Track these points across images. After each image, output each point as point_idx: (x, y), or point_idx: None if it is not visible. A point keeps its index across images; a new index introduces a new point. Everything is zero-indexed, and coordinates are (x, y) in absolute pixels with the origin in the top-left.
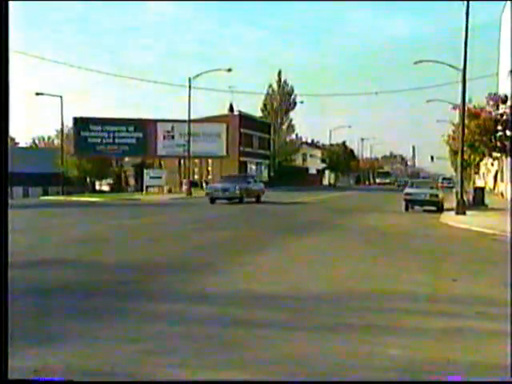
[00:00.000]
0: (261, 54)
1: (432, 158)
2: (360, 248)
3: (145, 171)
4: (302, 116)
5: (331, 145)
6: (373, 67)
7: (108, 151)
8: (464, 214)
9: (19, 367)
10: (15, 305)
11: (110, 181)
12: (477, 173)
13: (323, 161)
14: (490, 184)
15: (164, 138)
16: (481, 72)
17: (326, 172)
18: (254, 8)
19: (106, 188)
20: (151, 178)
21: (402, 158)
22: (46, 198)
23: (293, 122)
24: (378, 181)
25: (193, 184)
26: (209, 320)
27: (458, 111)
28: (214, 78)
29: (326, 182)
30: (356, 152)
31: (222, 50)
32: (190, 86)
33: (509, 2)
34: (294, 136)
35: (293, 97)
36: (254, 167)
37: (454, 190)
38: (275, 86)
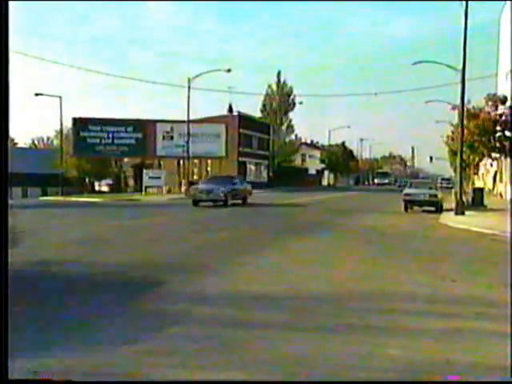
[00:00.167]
0: (260, 54)
1: (431, 158)
2: (359, 249)
3: (144, 172)
4: (301, 116)
5: (330, 145)
6: (372, 68)
7: (107, 152)
8: (463, 214)
9: (19, 367)
10: (15, 305)
11: (110, 181)
12: (476, 173)
13: (322, 161)
14: (489, 184)
15: (163, 138)
16: (480, 73)
17: (326, 172)
18: (253, 8)
19: (105, 188)
20: (150, 178)
21: (402, 159)
22: (45, 198)
23: (292, 123)
24: (376, 181)
25: (192, 184)
26: (209, 320)
27: (457, 112)
28: (213, 78)
29: (325, 182)
30: (355, 152)
31: (221, 51)
32: (189, 87)
33: (508, 3)
34: (293, 136)
35: (292, 97)
36: (253, 168)
37: (453, 191)
38: (274, 86)
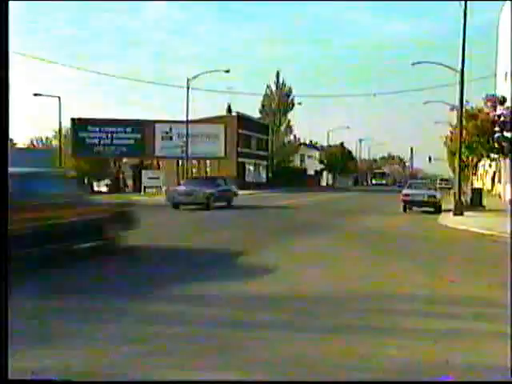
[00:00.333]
0: (259, 55)
1: (430, 159)
2: (358, 249)
3: (143, 172)
4: (300, 117)
5: (329, 146)
6: (371, 68)
7: (106, 152)
8: (462, 215)
9: (18, 367)
10: (14, 305)
11: (108, 182)
12: (474, 174)
13: (321, 162)
14: (488, 185)
15: (162, 138)
16: (479, 73)
17: (324, 173)
18: (253, 8)
19: (104, 189)
20: (149, 178)
21: (400, 159)
22: None
23: (291, 123)
24: (374, 182)
25: None
26: (208, 321)
27: (455, 112)
28: (212, 78)
29: (324, 183)
30: (354, 153)
31: (220, 51)
32: (188, 87)
33: (506, 3)
34: (292, 137)
35: (291, 98)
36: (252, 168)
37: (452, 191)
38: (273, 87)
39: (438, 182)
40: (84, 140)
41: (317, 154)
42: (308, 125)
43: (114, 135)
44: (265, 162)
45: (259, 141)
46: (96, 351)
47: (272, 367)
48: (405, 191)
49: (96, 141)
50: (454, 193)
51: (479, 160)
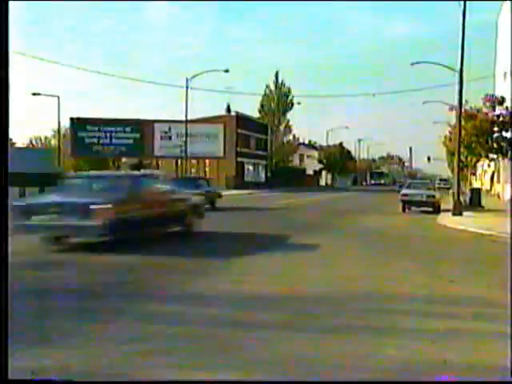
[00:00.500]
0: (258, 54)
1: (429, 158)
2: (358, 249)
3: (142, 172)
4: (299, 117)
5: (328, 146)
6: (370, 68)
7: (105, 152)
8: (461, 214)
9: (17, 367)
10: (14, 305)
11: None
12: (473, 174)
13: (320, 162)
14: (487, 185)
15: (161, 138)
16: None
17: (323, 173)
18: (252, 8)
19: None
20: None
21: (400, 159)
22: None
23: (290, 123)
24: (372, 181)
25: None
26: (208, 321)
27: (454, 112)
28: (211, 78)
29: (323, 182)
30: (353, 153)
31: (219, 51)
32: (187, 87)
33: (506, 3)
34: (291, 137)
35: (290, 98)
36: (251, 168)
37: (451, 191)
38: (272, 86)
39: (437, 181)
40: (83, 139)
41: (316, 153)
42: (307, 125)
43: (113, 135)
44: (264, 162)
45: (258, 140)
46: (96, 351)
47: (272, 367)
48: (404, 191)
49: (95, 140)
50: (453, 193)
51: (478, 160)
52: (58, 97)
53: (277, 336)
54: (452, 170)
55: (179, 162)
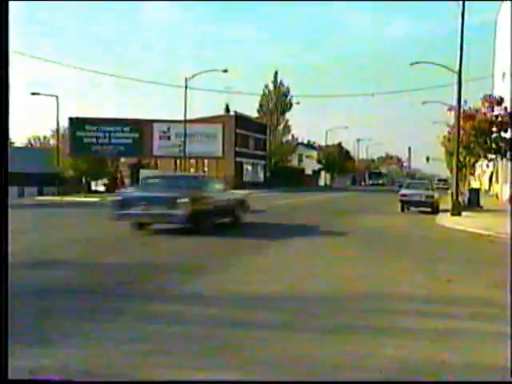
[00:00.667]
0: (257, 54)
1: (428, 159)
2: (357, 249)
3: (141, 171)
4: (298, 117)
5: (327, 146)
6: (369, 68)
7: (104, 151)
8: (459, 215)
9: (15, 367)
10: (14, 305)
11: (106, 181)
12: (472, 174)
13: (319, 162)
14: (486, 185)
15: (160, 138)
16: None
17: (322, 173)
18: (250, 8)
19: (101, 188)
20: None
21: (398, 159)
22: (42, 198)
23: (289, 123)
24: (370, 181)
25: None
26: (207, 321)
27: (453, 113)
28: (210, 78)
29: (321, 182)
30: (352, 153)
31: (218, 51)
32: (186, 87)
33: (505, 4)
34: (290, 137)
35: (289, 97)
36: (249, 168)
37: (450, 191)
38: (271, 86)
39: (436, 182)
40: (82, 139)
41: (315, 153)
42: (306, 124)
43: (112, 134)
44: (263, 162)
45: (257, 140)
46: (95, 351)
47: (271, 367)
48: (402, 191)
49: (94, 140)
50: (452, 193)
51: (477, 160)
52: (57, 96)
53: (276, 336)
54: (451, 171)
55: (178, 162)
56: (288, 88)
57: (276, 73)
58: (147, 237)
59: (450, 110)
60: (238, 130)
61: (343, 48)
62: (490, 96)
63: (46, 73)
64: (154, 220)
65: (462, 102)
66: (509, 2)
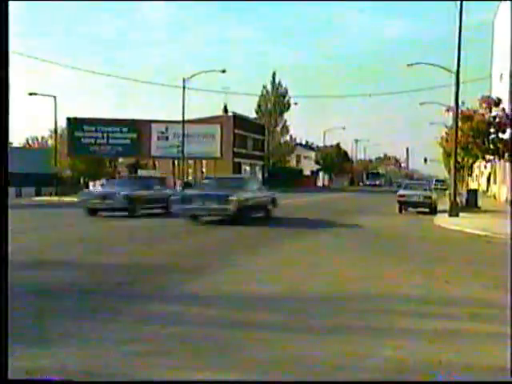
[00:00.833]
0: (255, 55)
1: (426, 159)
2: (355, 250)
3: (139, 172)
4: (296, 117)
5: (325, 146)
6: (368, 69)
7: (102, 152)
8: (457, 215)
9: (15, 367)
10: (13, 305)
11: (104, 181)
12: (470, 175)
13: (317, 162)
14: (483, 186)
15: (158, 138)
16: (476, 74)
17: (320, 173)
18: (248, 9)
19: (99, 188)
20: None
21: (396, 160)
22: (40, 198)
23: (287, 124)
24: (367, 182)
25: (187, 185)
26: (206, 321)
27: (451, 113)
28: (208, 79)
29: (320, 183)
30: (350, 154)
31: (216, 51)
32: (184, 87)
33: (502, 4)
34: (288, 137)
35: (287, 98)
36: (248, 168)
37: (448, 192)
38: (269, 87)
39: (434, 182)
40: (80, 139)
41: (313, 154)
42: (304, 125)
43: (110, 135)
44: (261, 163)
45: (255, 141)
46: (95, 351)
47: (270, 367)
48: (401, 192)
49: (92, 140)
50: (450, 194)
51: (474, 161)
52: (55, 97)
53: (275, 336)
54: (449, 171)
55: (176, 163)
56: (286, 89)
57: (274, 73)
58: (144, 236)
59: (448, 110)
60: (236, 131)
61: (341, 49)
62: (487, 97)
63: (44, 73)
64: (209, 213)
65: (460, 103)
66: (506, 3)
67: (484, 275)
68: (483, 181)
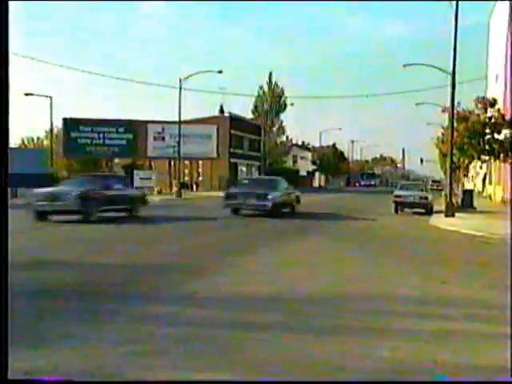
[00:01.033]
0: (252, 55)
1: (422, 160)
2: (352, 251)
3: (135, 172)
4: (292, 118)
5: (322, 147)
6: (364, 70)
7: (98, 152)
8: (453, 216)
9: (14, 368)
10: (12, 305)
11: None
12: (466, 175)
13: (313, 163)
14: (479, 187)
15: (154, 139)
16: (471, 75)
17: (317, 174)
18: (246, 9)
19: None
20: (141, 179)
21: (392, 161)
22: None
23: (283, 124)
24: (362, 182)
25: (183, 185)
26: (204, 322)
27: (447, 114)
28: (204, 79)
29: (316, 183)
30: (346, 154)
31: (213, 52)
32: (180, 88)
33: (498, 4)
34: (284, 138)
35: (283, 99)
36: (244, 169)
37: (443, 193)
38: (266, 87)
39: (430, 183)
40: (76, 140)
41: (309, 154)
42: (300, 126)
43: (106, 135)
44: (257, 163)
45: (252, 141)
46: (93, 351)
47: (270, 368)
48: (397, 192)
49: (88, 141)
50: (446, 194)
51: (470, 162)
52: (51, 97)
53: (274, 337)
54: (444, 172)
55: (172, 163)
56: (282, 89)
57: (271, 74)
58: (141, 236)
59: (443, 111)
60: (232, 131)
61: (338, 49)
62: (483, 98)
63: (40, 73)
64: (250, 208)
65: (456, 104)
66: (502, 4)
67: (481, 275)
68: (479, 181)
